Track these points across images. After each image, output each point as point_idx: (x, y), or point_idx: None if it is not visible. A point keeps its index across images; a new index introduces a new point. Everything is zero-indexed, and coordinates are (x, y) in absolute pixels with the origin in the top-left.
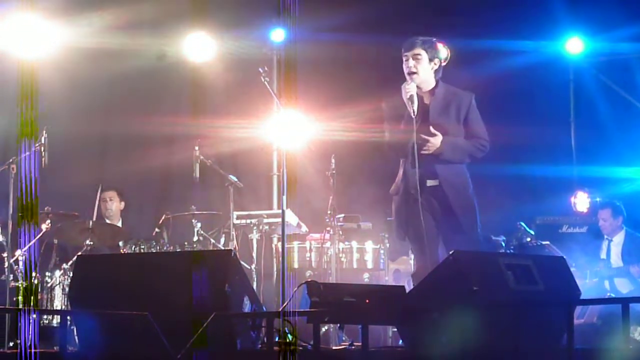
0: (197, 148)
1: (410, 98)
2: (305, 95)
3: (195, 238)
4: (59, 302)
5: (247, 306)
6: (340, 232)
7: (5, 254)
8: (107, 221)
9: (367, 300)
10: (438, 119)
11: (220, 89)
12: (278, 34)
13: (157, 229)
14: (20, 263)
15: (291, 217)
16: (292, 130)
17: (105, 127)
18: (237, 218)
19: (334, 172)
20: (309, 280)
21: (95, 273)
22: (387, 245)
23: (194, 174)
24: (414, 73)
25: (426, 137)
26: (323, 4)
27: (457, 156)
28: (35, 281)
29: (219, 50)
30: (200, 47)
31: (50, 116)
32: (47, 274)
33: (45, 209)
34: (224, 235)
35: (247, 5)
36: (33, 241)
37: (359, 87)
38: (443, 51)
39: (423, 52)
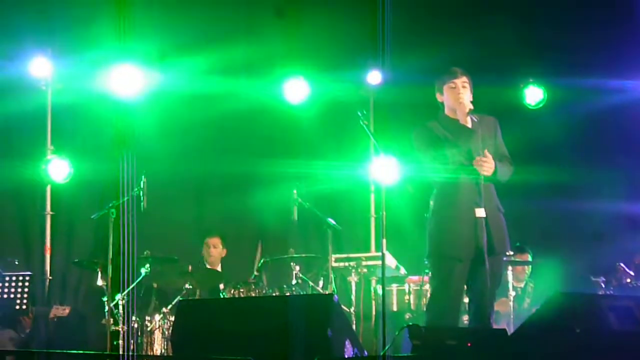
0: (295, 190)
1: (470, 112)
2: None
3: (294, 281)
4: (158, 346)
5: (348, 350)
6: None
7: (105, 298)
8: (208, 266)
9: (469, 344)
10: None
11: (318, 130)
12: (375, 76)
13: (256, 272)
14: (120, 307)
15: (390, 260)
16: (390, 172)
17: (203, 170)
18: (336, 261)
19: None
20: (411, 323)
21: (196, 317)
22: None
23: (293, 217)
24: (467, 101)
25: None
26: (420, 45)
27: (504, 176)
28: (135, 325)
29: (316, 92)
30: (296, 89)
31: (149, 160)
32: (147, 317)
33: (145, 252)
34: (322, 278)
35: (344, 47)
36: (132, 285)
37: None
38: None
39: (468, 80)
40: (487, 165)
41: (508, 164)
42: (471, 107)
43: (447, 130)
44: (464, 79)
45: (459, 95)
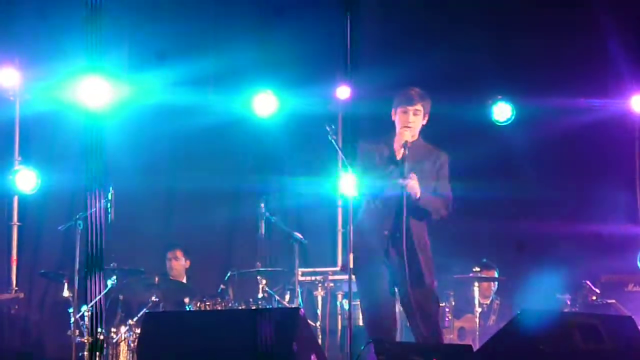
0: (262, 204)
1: (405, 145)
2: None
3: (260, 295)
4: (124, 358)
5: None
6: None
7: (71, 310)
8: (174, 279)
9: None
10: (414, 168)
11: (286, 144)
12: (343, 91)
13: (222, 286)
14: (86, 319)
15: None
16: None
17: (171, 183)
18: (302, 275)
19: None
20: (376, 338)
21: (162, 330)
22: (453, 302)
23: (260, 230)
24: (409, 128)
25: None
26: (390, 60)
27: (430, 205)
28: (101, 337)
29: (284, 106)
30: (264, 104)
31: (116, 172)
32: (113, 329)
33: (112, 264)
34: (288, 292)
35: (312, 61)
36: (99, 296)
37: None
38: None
39: (422, 108)
40: (411, 183)
41: (441, 202)
42: (409, 139)
43: (380, 156)
44: (418, 106)
45: (405, 123)
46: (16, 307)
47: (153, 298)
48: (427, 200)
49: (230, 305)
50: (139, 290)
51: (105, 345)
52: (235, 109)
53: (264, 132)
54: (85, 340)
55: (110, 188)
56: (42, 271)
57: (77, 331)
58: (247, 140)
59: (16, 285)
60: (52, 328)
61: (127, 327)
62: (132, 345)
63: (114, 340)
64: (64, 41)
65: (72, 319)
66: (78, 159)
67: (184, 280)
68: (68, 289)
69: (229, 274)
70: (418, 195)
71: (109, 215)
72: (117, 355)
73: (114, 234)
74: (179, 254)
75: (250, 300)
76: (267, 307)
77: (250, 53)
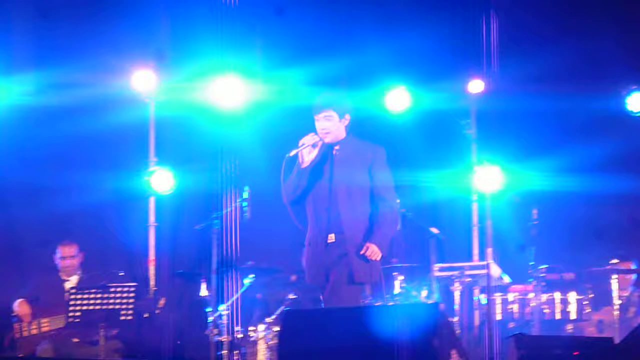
0: (398, 200)
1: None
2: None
3: (397, 290)
4: (262, 357)
5: None
6: (543, 283)
7: (209, 309)
8: None
9: (576, 352)
10: (341, 167)
11: (419, 140)
12: (476, 85)
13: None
14: (224, 317)
15: (494, 269)
16: (493, 182)
17: None
18: (439, 270)
19: (536, 222)
20: (517, 332)
21: (302, 327)
22: (591, 295)
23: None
24: (328, 133)
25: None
26: (524, 53)
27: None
28: (239, 335)
29: (417, 102)
30: (398, 100)
31: (252, 171)
32: (251, 328)
33: (248, 263)
34: (425, 287)
35: (444, 57)
36: (236, 295)
37: (562, 137)
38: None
39: (333, 112)
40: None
41: (392, 227)
42: (329, 138)
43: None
44: (328, 112)
45: (319, 130)
46: (155, 308)
47: (290, 295)
48: (385, 242)
49: (367, 301)
50: (276, 289)
51: (243, 344)
52: (369, 105)
53: (397, 127)
54: (224, 339)
55: (246, 187)
56: (180, 271)
57: (216, 330)
58: (380, 136)
59: (155, 286)
60: (190, 327)
61: (266, 325)
62: (270, 343)
63: (252, 339)
64: (199, 42)
65: (210, 318)
66: (213, 159)
67: None
68: (205, 288)
69: None
70: (379, 257)
71: (245, 214)
72: (256, 354)
73: (251, 232)
74: None
75: (387, 296)
76: (404, 302)
77: (382, 50)
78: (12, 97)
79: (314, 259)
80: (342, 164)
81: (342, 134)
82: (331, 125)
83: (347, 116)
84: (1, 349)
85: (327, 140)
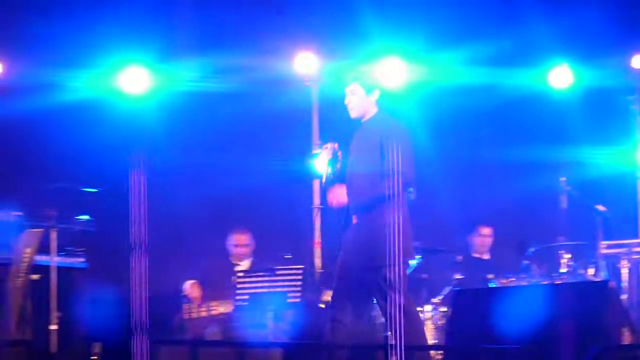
0: (562, 178)
1: None
2: None
3: (564, 269)
4: (430, 336)
5: (627, 338)
6: None
7: None
8: (476, 255)
9: None
10: (356, 148)
11: (583, 117)
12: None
13: (525, 261)
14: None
15: None
16: None
17: (471, 159)
18: (606, 248)
19: None
20: None
21: (470, 307)
22: None
23: (560, 204)
24: (352, 108)
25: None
26: None
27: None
28: None
29: (580, 78)
30: (561, 77)
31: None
32: (418, 308)
33: (415, 243)
34: (592, 265)
35: (608, 31)
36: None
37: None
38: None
39: (359, 87)
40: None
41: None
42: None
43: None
44: (353, 86)
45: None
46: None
47: (457, 276)
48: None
49: (534, 280)
50: (443, 269)
51: None
52: (531, 83)
53: (561, 105)
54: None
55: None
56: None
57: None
58: (543, 114)
59: (321, 268)
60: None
61: (433, 306)
62: (438, 323)
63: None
64: (360, 24)
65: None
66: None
67: (487, 257)
68: None
69: (531, 249)
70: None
71: (411, 195)
72: None
73: (416, 212)
74: (486, 231)
75: (554, 274)
76: (571, 281)
77: (545, 27)
78: (178, 84)
79: None
80: (357, 145)
81: (371, 110)
82: (356, 100)
83: (376, 91)
84: (170, 330)
85: (353, 115)
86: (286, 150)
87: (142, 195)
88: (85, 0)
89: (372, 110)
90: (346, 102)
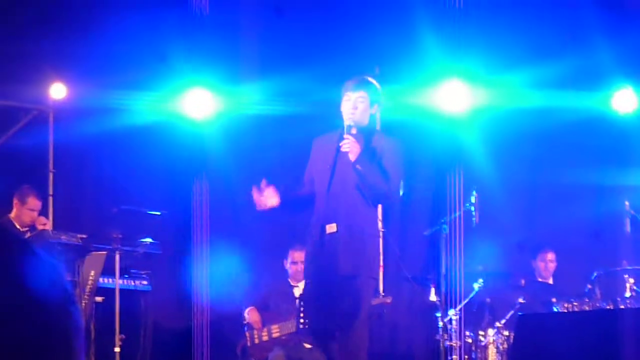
0: (627, 202)
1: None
2: None
3: (628, 294)
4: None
5: None
6: None
7: (439, 314)
8: (540, 280)
9: None
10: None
11: None
12: None
13: (589, 285)
14: (454, 322)
15: None
16: None
17: (533, 182)
18: None
19: None
20: None
21: (535, 332)
22: None
23: (625, 228)
24: (355, 114)
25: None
26: None
27: (371, 177)
28: (469, 340)
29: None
30: (625, 100)
31: (478, 175)
32: (481, 332)
33: (479, 267)
34: None
35: None
36: (466, 300)
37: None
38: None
39: (366, 95)
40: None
41: (382, 183)
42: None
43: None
44: (362, 94)
45: (346, 110)
46: (385, 311)
47: (520, 299)
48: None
49: (597, 305)
50: (506, 293)
51: (474, 349)
52: (595, 106)
53: (625, 128)
54: (454, 344)
55: (474, 191)
56: (409, 275)
57: (446, 335)
58: (607, 137)
59: (383, 291)
60: (420, 332)
61: (495, 330)
62: (500, 347)
63: (483, 343)
64: (423, 45)
65: (440, 323)
66: (439, 163)
67: (550, 281)
68: (435, 293)
69: (595, 273)
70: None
71: (473, 219)
72: (486, 358)
73: (479, 236)
74: (550, 256)
75: (618, 299)
76: (636, 306)
77: (608, 49)
78: (241, 107)
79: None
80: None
81: (365, 122)
82: (364, 107)
83: (376, 107)
84: (234, 357)
85: (355, 119)
86: None
87: (204, 218)
88: (150, 23)
89: (365, 122)
90: (352, 106)
